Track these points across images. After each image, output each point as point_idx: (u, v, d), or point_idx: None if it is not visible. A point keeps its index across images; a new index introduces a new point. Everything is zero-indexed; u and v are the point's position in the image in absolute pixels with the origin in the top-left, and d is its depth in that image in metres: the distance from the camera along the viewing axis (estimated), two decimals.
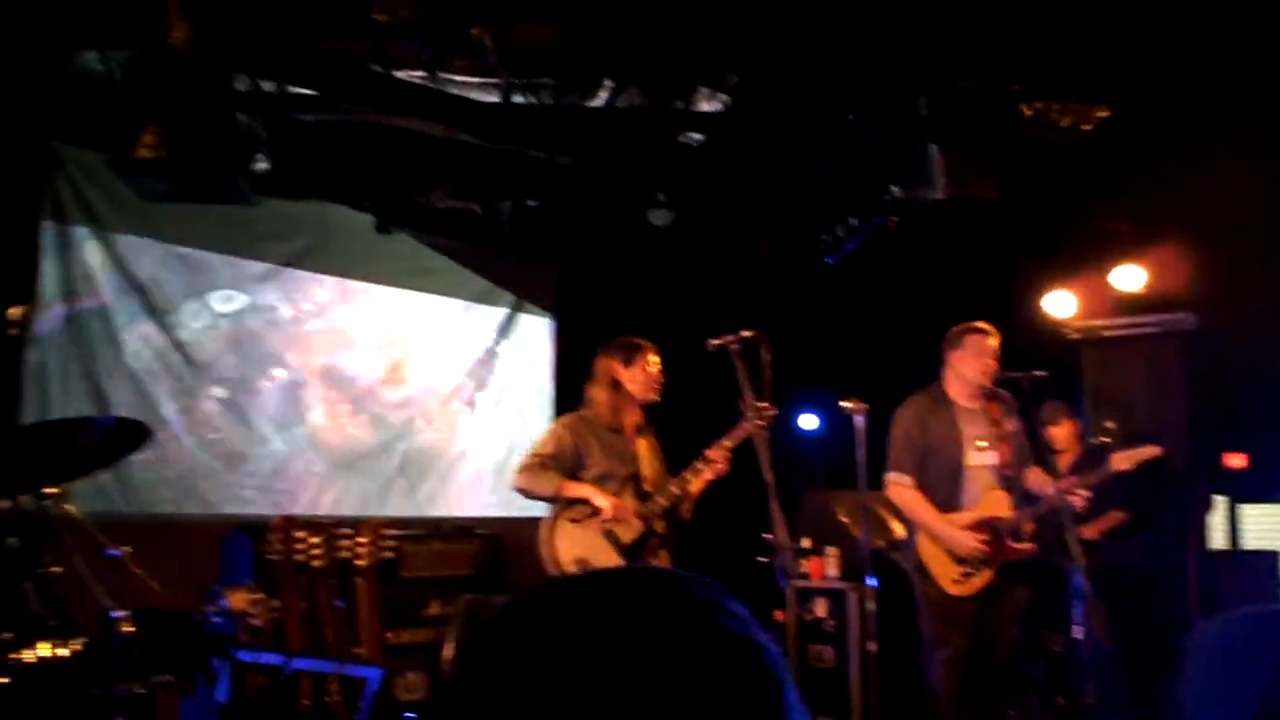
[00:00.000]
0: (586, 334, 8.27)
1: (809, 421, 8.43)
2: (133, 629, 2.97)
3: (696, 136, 6.46)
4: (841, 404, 4.44)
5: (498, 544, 6.39)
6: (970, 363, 4.86)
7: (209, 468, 6.55)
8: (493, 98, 5.93)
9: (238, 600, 4.11)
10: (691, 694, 0.83)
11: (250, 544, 5.37)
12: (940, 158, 6.16)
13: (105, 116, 5.69)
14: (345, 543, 3.90)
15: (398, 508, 7.21)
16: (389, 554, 3.97)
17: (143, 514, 6.03)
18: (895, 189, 6.76)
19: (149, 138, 5.54)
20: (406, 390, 7.53)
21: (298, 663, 3.75)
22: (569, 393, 8.24)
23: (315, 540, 3.88)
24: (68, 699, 2.94)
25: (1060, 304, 7.61)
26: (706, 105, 6.07)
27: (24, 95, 5.70)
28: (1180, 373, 6.68)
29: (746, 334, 4.10)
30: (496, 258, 7.91)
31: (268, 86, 5.73)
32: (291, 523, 4.00)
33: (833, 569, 6.63)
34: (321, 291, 7.17)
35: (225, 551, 5.34)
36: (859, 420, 4.45)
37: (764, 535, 4.55)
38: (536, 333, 8.40)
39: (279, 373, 6.93)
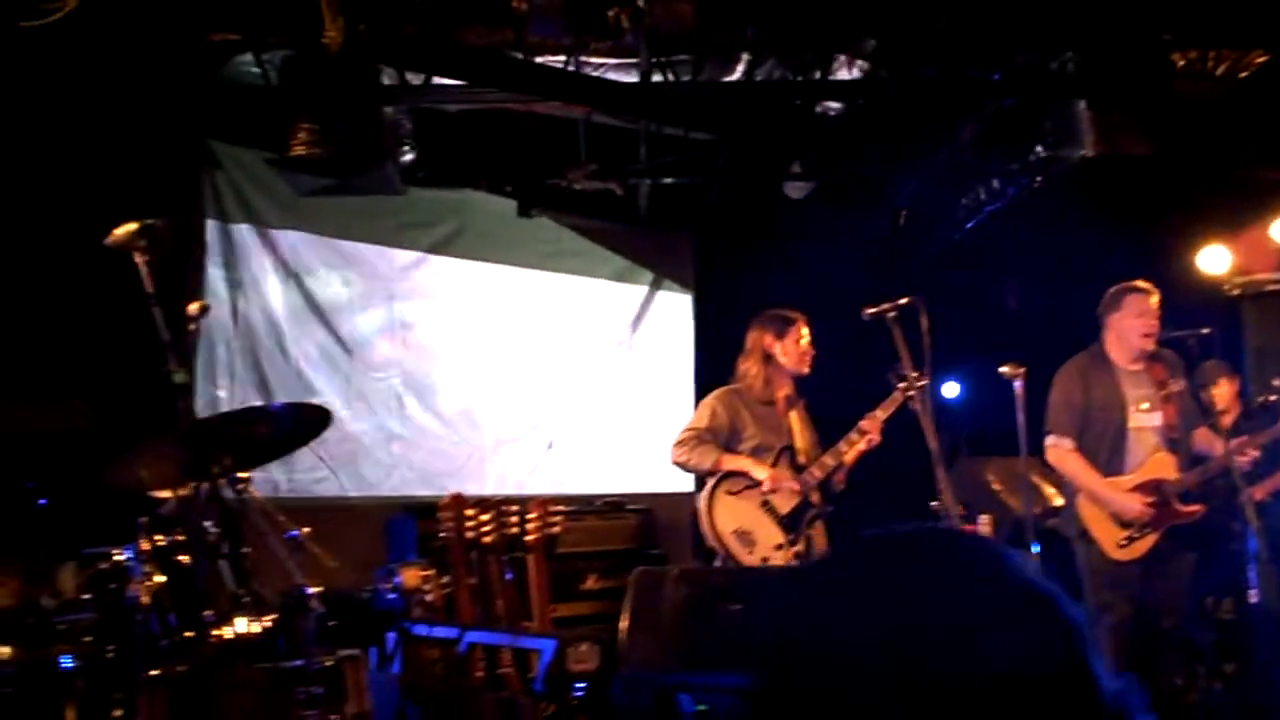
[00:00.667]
0: (725, 308, 8.32)
1: (950, 389, 8.30)
2: (323, 605, 3.11)
3: (834, 106, 6.40)
4: (1000, 369, 4.37)
5: (650, 519, 6.48)
6: (1131, 323, 4.74)
7: (368, 452, 6.77)
8: (631, 78, 5.98)
9: (410, 577, 4.26)
10: (1009, 640, 0.86)
11: (414, 524, 5.56)
12: (1089, 114, 6.00)
13: (260, 116, 5.92)
14: (514, 519, 4.00)
15: (547, 485, 7.34)
16: (556, 529, 4.07)
17: (308, 497, 6.28)
18: (1040, 149, 6.61)
19: (303, 134, 5.75)
20: (551, 371, 7.66)
21: (471, 636, 3.87)
22: (709, 367, 8.33)
23: (485, 517, 4.00)
24: (267, 672, 3.10)
25: (1216, 260, 7.33)
26: (845, 73, 6.00)
27: (183, 98, 5.96)
28: None
29: (903, 301, 4.06)
30: (635, 236, 7.98)
31: (413, 79, 5.87)
32: (461, 501, 4.13)
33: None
34: (468, 276, 7.34)
35: (390, 532, 5.53)
36: (1018, 385, 4.37)
37: (931, 503, 4.50)
38: (676, 308, 8.45)
39: (429, 357, 7.13)
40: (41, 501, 3.61)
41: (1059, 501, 5.62)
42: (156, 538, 3.21)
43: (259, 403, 6.25)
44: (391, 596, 4.16)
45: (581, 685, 3.75)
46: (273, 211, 6.48)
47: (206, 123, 6.18)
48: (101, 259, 5.47)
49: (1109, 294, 4.88)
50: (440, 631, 4.04)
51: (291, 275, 6.58)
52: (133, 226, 3.06)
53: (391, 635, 4.06)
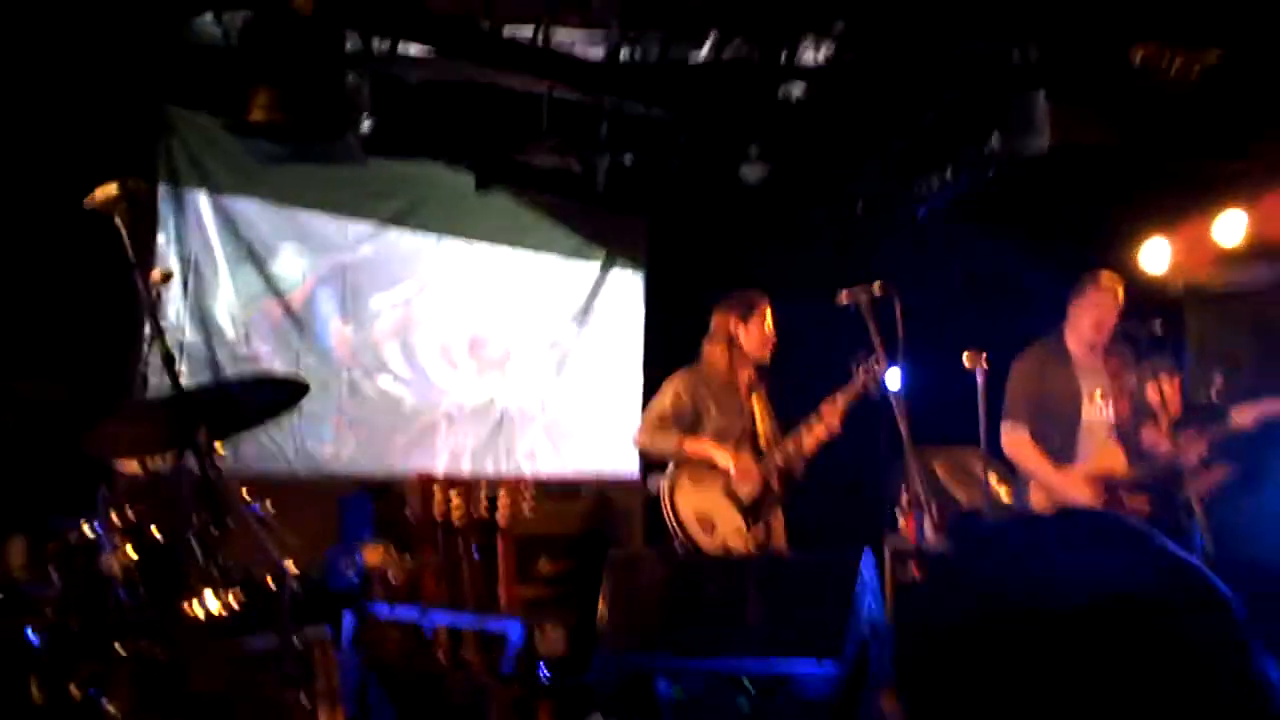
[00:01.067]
0: (676, 289, 8.35)
1: (891, 378, 8.39)
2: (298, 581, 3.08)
3: (797, 89, 6.42)
4: (964, 356, 4.43)
5: (604, 502, 6.48)
6: (1089, 313, 4.83)
7: (316, 428, 6.67)
8: (598, 51, 5.96)
9: (372, 555, 4.23)
10: (1169, 615, 0.89)
11: (369, 503, 5.51)
12: (1047, 106, 6.09)
13: (218, 81, 5.80)
14: (484, 500, 3.99)
15: (496, 466, 7.32)
16: (527, 511, 4.06)
17: (257, 474, 6.17)
18: (995, 140, 6.70)
19: (263, 99, 5.66)
20: (501, 347, 7.63)
21: (436, 617, 3.86)
22: (658, 346, 8.36)
23: (455, 497, 3.98)
24: (241, 649, 3.07)
25: (1157, 255, 7.46)
26: (810, 56, 6.03)
27: (139, 60, 5.81)
28: None
29: (876, 286, 4.09)
30: (590, 213, 7.96)
31: (378, 46, 5.79)
32: (429, 480, 4.11)
33: (929, 528, 6.64)
34: (421, 249, 7.27)
35: (344, 510, 5.48)
36: (979, 374, 4.44)
37: (903, 491, 4.55)
38: (628, 287, 8.45)
39: (378, 331, 7.05)
40: None
41: (1004, 492, 5.72)
42: (126, 510, 3.15)
43: (207, 374, 6.16)
44: (351, 575, 4.14)
45: (548, 669, 3.75)
46: (228, 178, 6.35)
47: (163, 87, 6.02)
48: (56, 224, 5.38)
49: (1077, 281, 4.97)
50: (403, 612, 4.02)
51: (244, 244, 6.46)
52: (113, 188, 2.98)
53: (348, 615, 4.03)
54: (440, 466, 6.90)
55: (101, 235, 5.49)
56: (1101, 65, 5.88)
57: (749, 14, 5.61)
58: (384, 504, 5.49)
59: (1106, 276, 4.93)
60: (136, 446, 3.03)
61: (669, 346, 8.06)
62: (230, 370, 6.21)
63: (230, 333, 6.33)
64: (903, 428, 4.00)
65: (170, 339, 5.95)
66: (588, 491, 6.58)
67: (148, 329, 3.06)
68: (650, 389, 8.14)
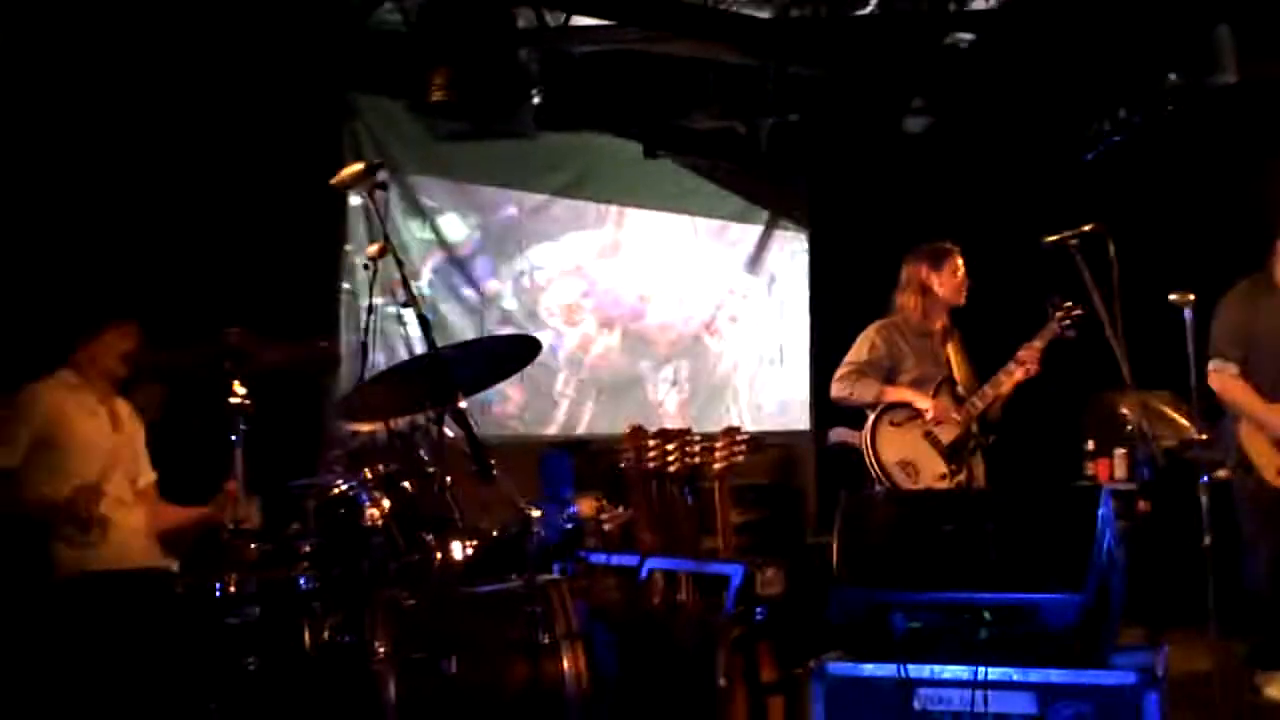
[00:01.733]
0: (840, 246, 8.36)
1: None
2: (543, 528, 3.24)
3: (966, 37, 6.35)
4: (1170, 297, 4.36)
5: (788, 454, 6.56)
6: None
7: (498, 392, 6.88)
8: (764, 14, 6.01)
9: (587, 506, 4.39)
10: None
11: (569, 459, 5.70)
12: (1230, 39, 5.91)
13: (399, 65, 6.02)
14: (697, 449, 4.11)
15: (669, 422, 7.44)
16: (740, 459, 4.17)
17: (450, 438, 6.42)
18: (1173, 76, 6.51)
19: (441, 80, 5.86)
20: (673, 311, 7.76)
21: (653, 563, 3.99)
22: (824, 303, 8.39)
23: (670, 446, 4.11)
24: (494, 592, 3.24)
25: None
26: (980, 3, 5.96)
27: (324, 49, 6.07)
28: None
29: (1087, 228, 4.05)
30: (754, 176, 8.02)
31: (550, 20, 5.93)
32: (641, 432, 4.24)
33: (1120, 470, 6.55)
34: (590, 217, 7.44)
35: (544, 467, 5.67)
36: (1188, 313, 4.35)
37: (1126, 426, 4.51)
38: (792, 247, 8.51)
39: (556, 299, 7.24)
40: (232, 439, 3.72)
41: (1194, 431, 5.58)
42: (378, 466, 3.35)
43: (400, 346, 6.42)
44: (568, 526, 4.29)
45: (763, 609, 3.84)
46: (407, 158, 6.60)
47: (347, 73, 6.28)
48: (253, 206, 5.69)
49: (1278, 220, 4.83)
50: (619, 559, 4.16)
51: (427, 220, 6.71)
52: (358, 167, 3.16)
53: (556, 565, 4.17)
54: (611, 428, 7.08)
55: (295, 215, 5.84)
56: None
57: None
58: (582, 459, 5.70)
59: None
60: (395, 407, 3.21)
61: (835, 303, 8.12)
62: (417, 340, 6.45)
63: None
64: (1124, 368, 3.94)
65: (361, 311, 6.28)
66: (772, 444, 6.66)
67: (368, 302, 3.22)
68: (818, 346, 8.24)
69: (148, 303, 4.21)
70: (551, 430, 7.04)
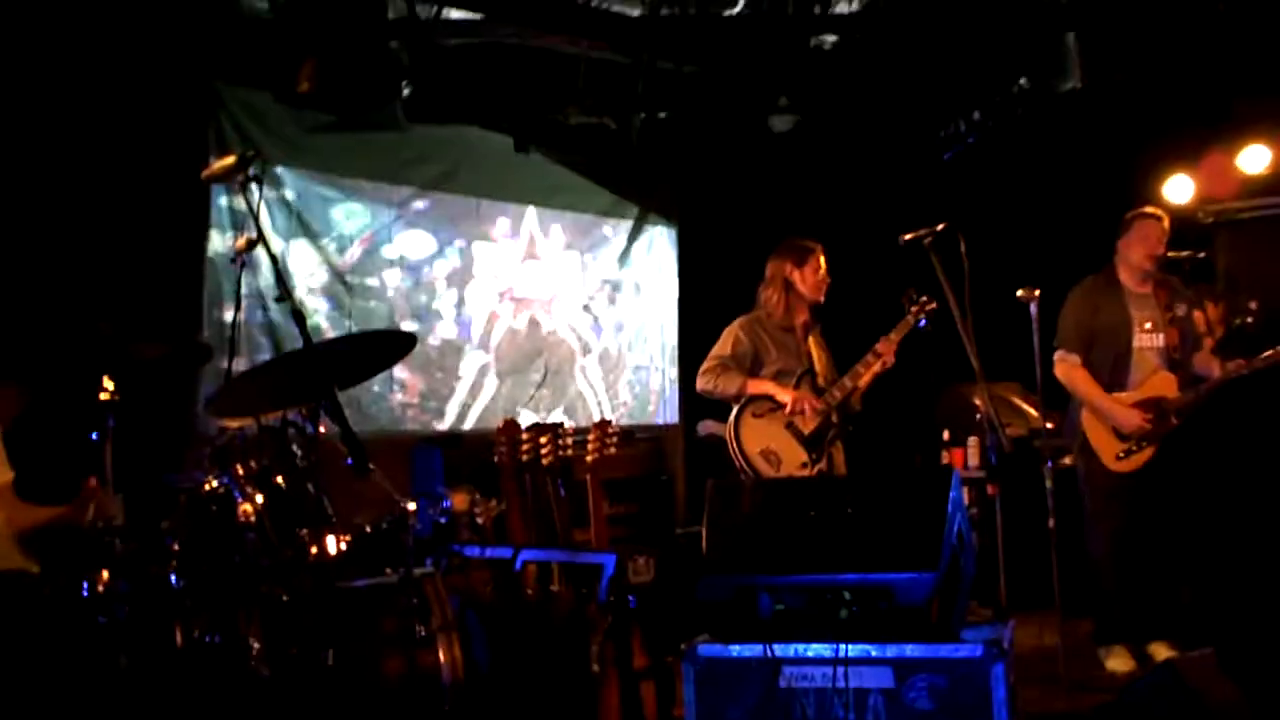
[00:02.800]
0: (708, 242, 8.53)
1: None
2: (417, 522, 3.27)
3: (830, 39, 6.55)
4: (1018, 293, 4.60)
5: (658, 446, 6.68)
6: (1136, 247, 5.02)
7: (368, 388, 6.84)
8: (635, 11, 6.10)
9: (460, 500, 4.42)
10: None
11: (439, 454, 5.71)
12: (1077, 45, 6.23)
13: (266, 55, 5.93)
14: (570, 441, 4.18)
15: (541, 417, 7.51)
16: (612, 450, 4.25)
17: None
18: (1024, 80, 6.82)
19: (308, 70, 5.80)
20: (541, 304, 7.81)
21: (526, 554, 4.05)
22: (692, 299, 8.55)
23: (543, 440, 4.17)
24: (370, 586, 3.27)
25: (1180, 190, 7.60)
26: (844, 7, 6.16)
27: (188, 37, 5.94)
28: None
29: (940, 227, 4.25)
30: (624, 171, 8.12)
31: (421, 12, 5.92)
32: (514, 426, 4.30)
33: (974, 458, 6.84)
34: (464, 211, 7.44)
35: (415, 461, 5.68)
36: (1033, 308, 4.61)
37: (977, 416, 4.72)
38: (661, 243, 8.64)
39: (428, 292, 7.22)
40: (94, 435, 3.67)
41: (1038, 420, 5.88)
42: (250, 462, 3.34)
43: (263, 340, 6.34)
44: (442, 520, 4.32)
45: (634, 597, 3.94)
46: (275, 150, 6.49)
47: (212, 62, 6.15)
48: (115, 197, 5.55)
49: (1123, 220, 5.14)
50: (493, 552, 4.21)
51: (294, 213, 6.63)
52: (230, 159, 3.14)
53: (430, 559, 4.20)
54: (485, 421, 7.12)
55: (158, 207, 5.72)
56: (1129, 5, 6.02)
57: None
58: (454, 453, 5.72)
59: (1152, 210, 5.12)
60: (269, 402, 3.20)
61: (702, 298, 8.29)
62: (285, 332, 6.37)
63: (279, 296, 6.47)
64: (973, 361, 4.16)
65: (229, 301, 6.18)
66: (642, 437, 6.77)
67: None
68: (686, 340, 8.39)
69: (9, 297, 4.10)
70: (439, 425, 7.03)
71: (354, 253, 6.89)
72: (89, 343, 3.29)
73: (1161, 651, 4.87)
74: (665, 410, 8.44)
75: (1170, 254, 5.05)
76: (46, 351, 3.41)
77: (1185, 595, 5.26)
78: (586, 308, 8.10)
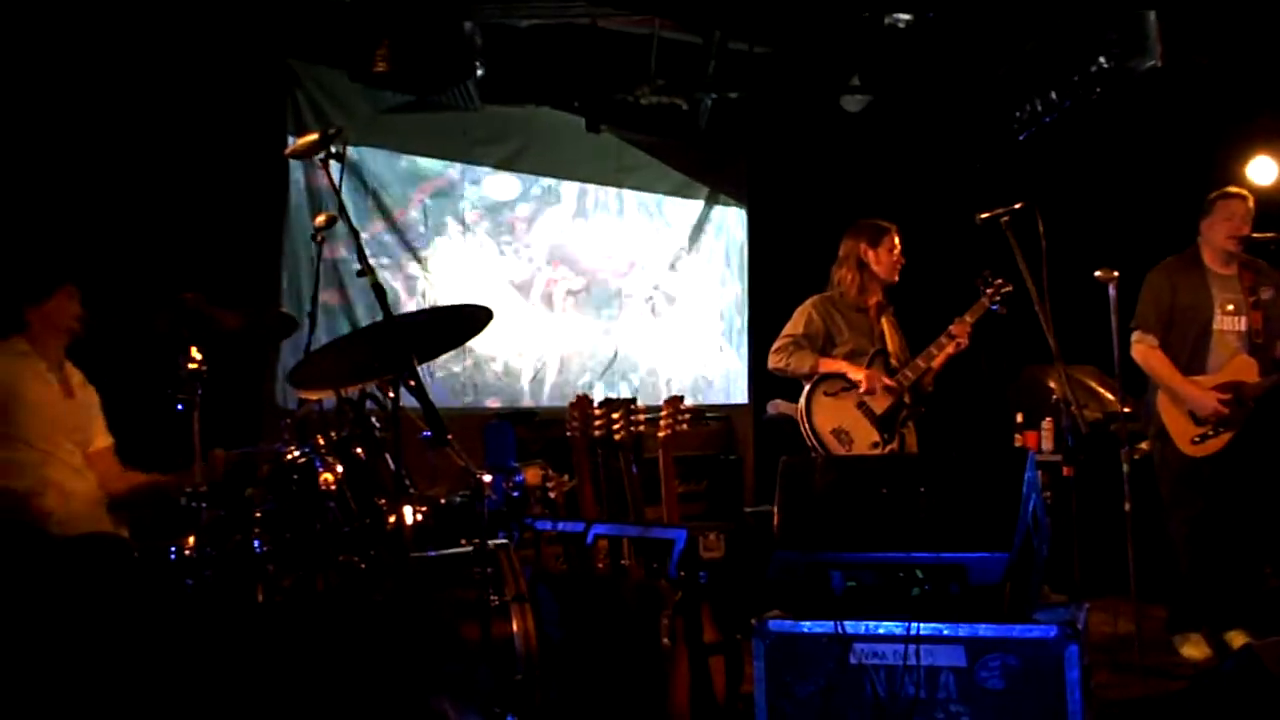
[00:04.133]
0: (778, 222, 8.50)
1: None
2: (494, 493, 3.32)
3: (904, 17, 6.48)
4: (1096, 274, 4.53)
5: (729, 426, 6.70)
6: (1219, 227, 4.91)
7: (442, 365, 6.94)
8: None
9: (532, 475, 4.48)
10: None
11: (511, 429, 5.78)
12: (1158, 25, 6.10)
13: (343, 35, 6.02)
14: (642, 417, 4.21)
15: (611, 395, 7.54)
16: (684, 427, 4.27)
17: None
18: (1102, 59, 6.70)
19: (383, 51, 5.87)
20: (614, 285, 7.85)
21: (598, 529, 4.08)
22: (762, 278, 8.54)
23: (615, 416, 4.20)
24: (446, 555, 3.33)
25: (1264, 170, 7.43)
26: None
27: (267, 17, 6.05)
28: None
29: (1018, 206, 4.20)
30: (694, 151, 8.13)
31: None
32: (586, 401, 4.33)
33: (1048, 441, 6.76)
34: (532, 191, 7.49)
35: (487, 437, 5.75)
36: (1112, 290, 4.54)
37: (1053, 398, 4.67)
38: (731, 223, 8.63)
39: (498, 270, 7.29)
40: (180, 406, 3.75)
41: (1117, 403, 5.79)
42: (331, 433, 3.41)
43: (341, 315, 6.45)
44: (515, 494, 4.38)
45: (704, 573, 3.95)
46: (349, 129, 6.56)
47: (288, 41, 6.26)
48: (196, 173, 5.68)
49: (1206, 200, 5.04)
50: (564, 526, 4.25)
51: (369, 192, 6.72)
52: (313, 136, 3.20)
53: (503, 532, 4.26)
54: (555, 400, 7.17)
55: (238, 183, 5.84)
56: None
57: None
58: (525, 428, 5.79)
59: (1236, 190, 5.00)
60: (349, 376, 3.26)
61: (772, 278, 8.27)
62: (360, 309, 6.48)
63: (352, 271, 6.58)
64: (1050, 340, 4.11)
65: (305, 281, 6.29)
66: (712, 416, 6.79)
67: (315, 271, 3.23)
68: (756, 319, 8.39)
69: (95, 269, 4.21)
70: (495, 403, 7.11)
71: (425, 230, 6.96)
72: (175, 314, 3.36)
73: (1238, 639, 4.79)
74: (735, 390, 8.45)
75: (1255, 235, 4.94)
76: (142, 319, 3.48)
77: (1271, 579, 5.16)
78: (657, 286, 8.12)
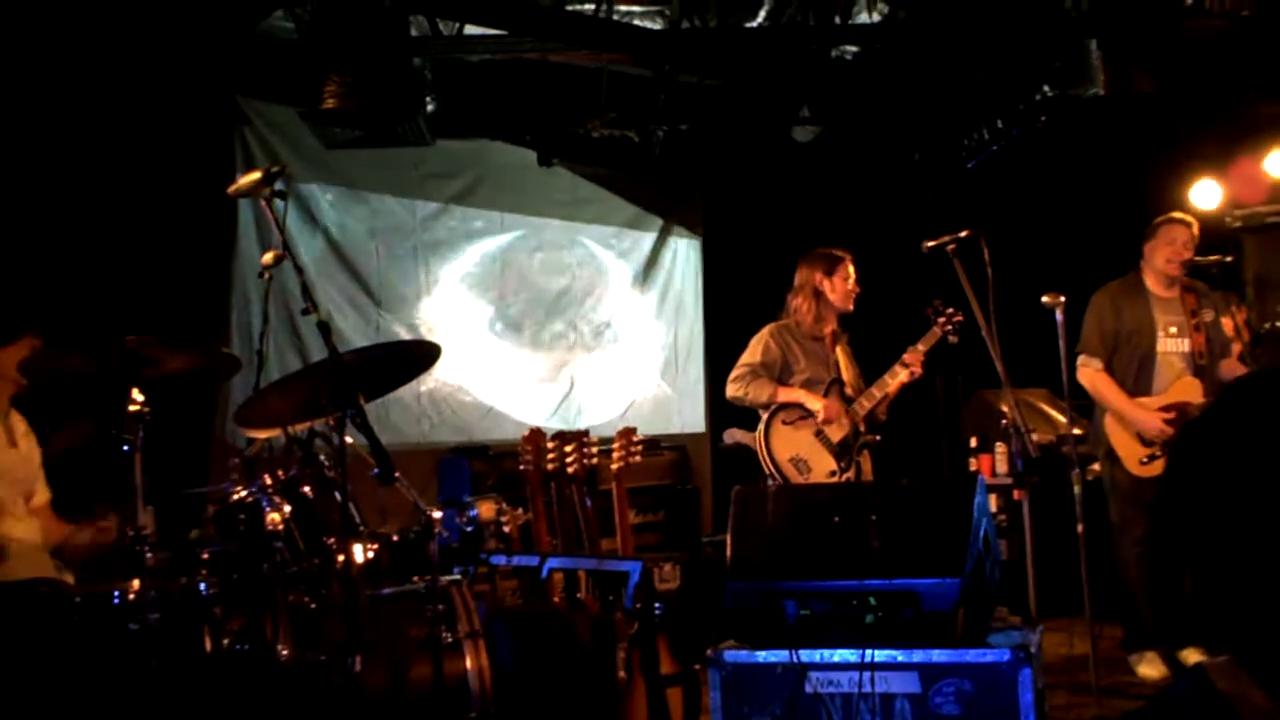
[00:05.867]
0: (732, 252, 8.55)
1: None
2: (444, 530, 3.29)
3: (851, 49, 6.56)
4: (1043, 299, 4.58)
5: (684, 455, 6.69)
6: (1161, 251, 4.99)
7: (397, 399, 6.88)
8: (654, 25, 6.13)
9: (487, 510, 4.45)
10: None
11: (465, 464, 5.74)
12: (1100, 54, 6.20)
13: (291, 72, 6.00)
14: (594, 449, 4.19)
15: (566, 427, 7.51)
16: (637, 458, 4.26)
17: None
18: (1047, 88, 6.80)
19: (333, 87, 5.85)
20: (566, 317, 7.85)
21: (553, 562, 4.06)
22: (717, 309, 8.57)
23: (569, 448, 4.18)
24: (398, 593, 3.29)
25: (1207, 195, 7.55)
26: (865, 17, 6.17)
27: (214, 55, 6.02)
28: None
29: (964, 234, 4.25)
30: (646, 183, 8.16)
31: (444, 28, 5.97)
32: (539, 435, 4.31)
33: (1001, 465, 6.80)
34: (485, 226, 7.48)
35: (441, 472, 5.71)
36: (1059, 314, 4.58)
37: (1004, 422, 4.70)
38: (685, 254, 8.67)
39: (452, 305, 7.26)
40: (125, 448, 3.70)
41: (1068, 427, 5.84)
42: (278, 472, 3.37)
43: (293, 354, 6.39)
44: (469, 529, 4.35)
45: (660, 604, 3.94)
46: (299, 166, 6.55)
47: (236, 78, 6.23)
48: (142, 212, 5.61)
49: (1150, 225, 5.12)
50: (519, 560, 4.23)
51: (320, 229, 6.68)
52: (256, 175, 3.17)
53: (457, 567, 4.23)
54: (511, 432, 7.12)
55: (185, 222, 5.78)
56: (1152, 12, 5.99)
57: None
58: (480, 462, 5.75)
59: (1180, 216, 5.10)
60: (297, 414, 3.23)
61: (728, 307, 8.31)
62: (313, 347, 6.41)
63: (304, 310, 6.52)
64: (999, 367, 4.15)
65: (254, 319, 6.23)
66: (667, 446, 6.79)
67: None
68: (712, 349, 8.41)
69: (39, 311, 4.14)
70: (451, 437, 7.06)
71: (380, 268, 6.93)
72: (116, 356, 3.31)
73: (1193, 657, 4.83)
74: (692, 420, 8.45)
75: (1197, 259, 5.02)
76: (85, 362, 3.42)
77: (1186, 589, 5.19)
78: (612, 318, 8.12)
